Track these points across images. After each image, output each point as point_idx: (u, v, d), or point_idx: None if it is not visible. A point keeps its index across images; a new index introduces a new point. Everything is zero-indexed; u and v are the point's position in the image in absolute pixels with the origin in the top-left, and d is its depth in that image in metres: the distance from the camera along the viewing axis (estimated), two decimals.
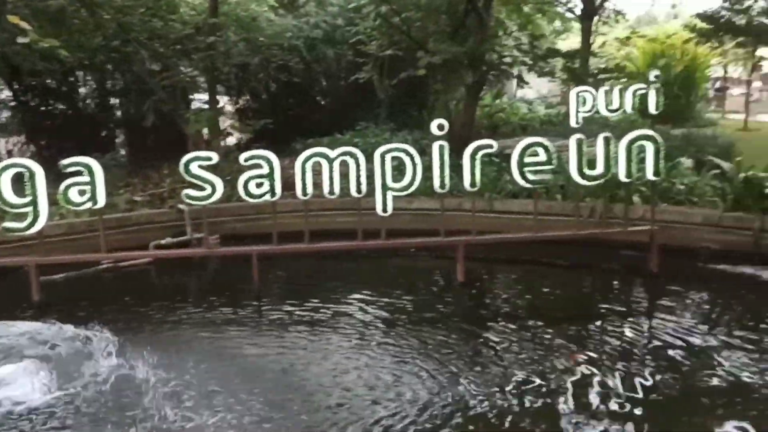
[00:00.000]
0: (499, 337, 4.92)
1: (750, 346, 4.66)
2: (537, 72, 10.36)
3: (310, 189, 5.82)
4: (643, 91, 5.97)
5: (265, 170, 5.69)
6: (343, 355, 4.62)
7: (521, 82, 11.47)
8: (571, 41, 20.00)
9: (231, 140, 12.69)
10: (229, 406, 3.81)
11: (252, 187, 5.73)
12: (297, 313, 5.54)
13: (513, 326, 5.13)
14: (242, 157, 5.78)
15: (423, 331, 5.04)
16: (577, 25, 15.94)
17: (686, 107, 16.19)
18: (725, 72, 22.54)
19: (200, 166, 5.67)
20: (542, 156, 5.93)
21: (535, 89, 21.30)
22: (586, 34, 13.11)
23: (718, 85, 25.29)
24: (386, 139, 10.22)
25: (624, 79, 14.74)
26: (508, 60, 10.04)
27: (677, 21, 21.25)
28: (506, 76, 11.88)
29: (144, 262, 6.71)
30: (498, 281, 6.92)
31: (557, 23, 22.16)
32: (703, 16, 15.62)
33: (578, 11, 13.85)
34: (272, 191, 5.74)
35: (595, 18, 13.75)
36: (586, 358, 4.48)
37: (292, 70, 11.85)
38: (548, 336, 4.94)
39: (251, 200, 5.79)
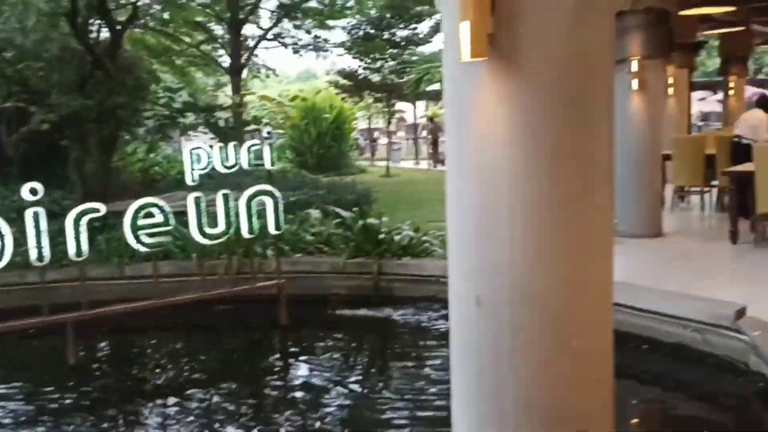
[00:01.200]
0: (149, 413, 4.63)
1: (379, 383, 5.03)
2: (176, 127, 10.10)
3: None
4: (258, 147, 6.06)
5: None
6: None
7: (165, 137, 11.10)
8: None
9: None
10: None
11: None
12: None
13: (162, 399, 4.86)
14: None
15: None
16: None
17: (338, 156, 17.49)
18: (370, 124, 25.16)
19: None
20: (158, 217, 5.60)
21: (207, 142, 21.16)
22: (236, 88, 13.36)
23: (373, 135, 28.15)
24: (15, 201, 8.94)
25: (280, 131, 15.33)
26: (147, 114, 9.59)
27: (330, 77, 23.09)
28: (161, 129, 11.42)
29: None
30: (135, 354, 6.33)
31: (221, 77, 22.37)
32: (343, 74, 17.18)
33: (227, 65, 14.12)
34: None
35: (245, 72, 14.16)
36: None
37: None
38: (193, 403, 4.76)
39: None
